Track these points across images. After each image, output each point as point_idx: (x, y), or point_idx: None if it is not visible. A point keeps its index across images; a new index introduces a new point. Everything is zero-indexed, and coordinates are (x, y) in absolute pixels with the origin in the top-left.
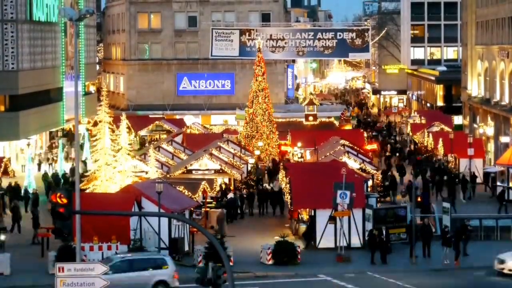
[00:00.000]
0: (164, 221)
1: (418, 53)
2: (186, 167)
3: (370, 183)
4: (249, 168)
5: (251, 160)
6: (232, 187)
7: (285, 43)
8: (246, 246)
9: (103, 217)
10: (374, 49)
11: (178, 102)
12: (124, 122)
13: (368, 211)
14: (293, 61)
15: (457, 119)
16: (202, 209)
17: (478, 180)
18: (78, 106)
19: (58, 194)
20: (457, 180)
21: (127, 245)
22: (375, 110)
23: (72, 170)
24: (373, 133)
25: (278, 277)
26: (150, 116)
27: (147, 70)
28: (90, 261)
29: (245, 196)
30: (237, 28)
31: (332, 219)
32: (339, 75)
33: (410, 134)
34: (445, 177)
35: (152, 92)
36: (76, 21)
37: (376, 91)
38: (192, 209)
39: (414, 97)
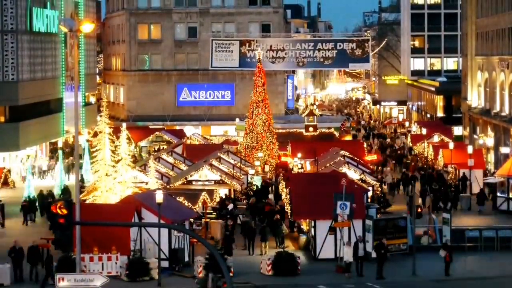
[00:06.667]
0: (164, 231)
1: (418, 63)
2: (186, 178)
3: (370, 194)
4: (249, 179)
5: (251, 171)
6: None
7: (285, 53)
8: (246, 257)
9: (103, 227)
10: (374, 60)
11: (178, 112)
12: (124, 133)
13: (368, 222)
14: (293, 71)
15: (457, 130)
16: (202, 219)
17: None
18: (78, 117)
19: (58, 205)
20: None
21: (127, 255)
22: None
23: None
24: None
25: (278, 287)
26: (150, 127)
27: (147, 81)
28: (90, 271)
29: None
30: (237, 39)
31: (332, 230)
32: (339, 86)
33: (410, 145)
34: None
35: (152, 103)
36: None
37: (376, 102)
38: (192, 219)
39: (414, 108)
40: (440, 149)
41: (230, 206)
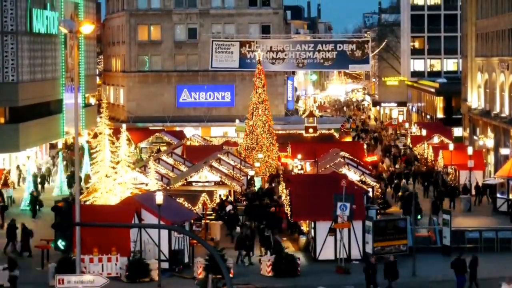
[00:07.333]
0: (164, 233)
1: (418, 65)
2: (186, 179)
3: (370, 195)
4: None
5: (251, 172)
6: (232, 199)
7: (285, 55)
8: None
9: (103, 229)
10: (374, 61)
11: (178, 114)
12: (124, 134)
13: (368, 223)
14: (293, 73)
15: (457, 131)
16: (202, 221)
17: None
18: (78, 118)
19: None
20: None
21: (127, 257)
22: (372, 123)
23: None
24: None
25: None
26: (150, 128)
27: (147, 82)
28: (89, 273)
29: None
30: (237, 40)
31: (332, 231)
32: (339, 87)
33: (410, 146)
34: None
35: (152, 104)
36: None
37: (376, 103)
38: (192, 221)
39: (414, 109)
40: (440, 150)
41: (229, 207)
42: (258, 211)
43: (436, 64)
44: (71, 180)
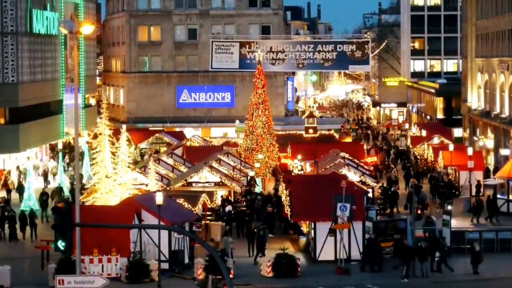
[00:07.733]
0: (164, 233)
1: (418, 65)
2: (186, 180)
3: (370, 195)
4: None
5: (251, 173)
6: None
7: (285, 55)
8: (246, 259)
9: (103, 229)
10: (374, 62)
11: (178, 114)
12: (124, 135)
13: (368, 224)
14: (293, 73)
15: (457, 132)
16: (202, 221)
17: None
18: (78, 118)
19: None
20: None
21: (127, 257)
22: (374, 123)
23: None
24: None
25: None
26: (150, 128)
27: (147, 83)
28: (90, 273)
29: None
30: (237, 40)
31: (332, 231)
32: (339, 88)
33: (410, 146)
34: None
35: (152, 104)
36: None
37: (376, 104)
38: (192, 221)
39: (414, 110)
40: (440, 151)
41: (229, 208)
42: (253, 213)
43: (436, 65)
44: (41, 199)
